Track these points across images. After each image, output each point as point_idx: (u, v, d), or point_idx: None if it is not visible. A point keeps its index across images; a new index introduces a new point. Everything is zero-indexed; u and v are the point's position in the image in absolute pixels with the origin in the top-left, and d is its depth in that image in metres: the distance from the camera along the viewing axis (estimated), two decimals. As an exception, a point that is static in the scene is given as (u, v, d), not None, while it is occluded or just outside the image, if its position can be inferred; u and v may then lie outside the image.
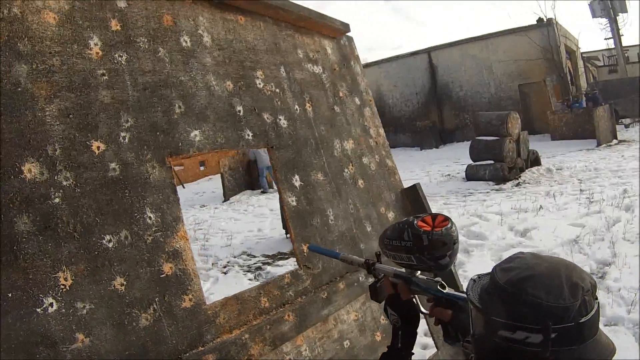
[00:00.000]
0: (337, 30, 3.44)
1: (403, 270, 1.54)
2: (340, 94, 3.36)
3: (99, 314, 1.69)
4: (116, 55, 1.95)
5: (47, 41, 1.75)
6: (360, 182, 3.21)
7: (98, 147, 1.82)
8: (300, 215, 2.64)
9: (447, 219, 1.48)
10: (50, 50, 1.75)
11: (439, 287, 1.39)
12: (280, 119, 2.71)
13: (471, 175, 10.73)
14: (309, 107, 2.98)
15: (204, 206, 13.04)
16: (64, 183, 1.70)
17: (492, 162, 10.41)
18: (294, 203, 2.62)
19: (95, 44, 1.89)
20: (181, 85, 2.18)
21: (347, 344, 2.62)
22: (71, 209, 1.70)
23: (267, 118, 2.62)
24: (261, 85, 2.65)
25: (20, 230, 1.56)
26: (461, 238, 6.38)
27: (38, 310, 1.56)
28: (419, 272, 1.51)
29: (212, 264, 7.03)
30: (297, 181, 2.69)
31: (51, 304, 1.59)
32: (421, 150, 19.51)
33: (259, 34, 2.76)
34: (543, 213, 6.87)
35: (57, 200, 1.67)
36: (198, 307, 1.99)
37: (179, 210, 2.02)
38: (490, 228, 6.42)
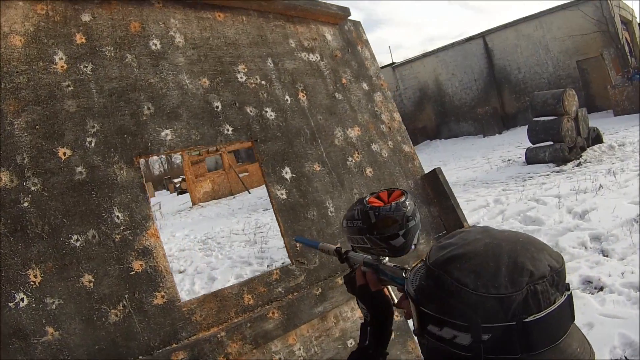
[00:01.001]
0: (336, 16, 3.48)
1: (370, 257, 1.46)
2: (344, 81, 3.38)
3: (68, 309, 1.92)
4: (81, 66, 2.22)
5: (14, 62, 2.05)
6: (368, 170, 3.18)
7: (64, 153, 2.08)
8: (292, 208, 2.70)
9: (403, 193, 1.43)
10: (17, 69, 2.05)
11: (404, 274, 1.25)
12: (266, 111, 2.81)
13: (531, 158, 10.67)
14: (303, 96, 3.05)
15: (267, 209, 13.61)
16: (32, 188, 1.98)
17: (551, 143, 10.34)
18: (284, 196, 2.70)
19: (60, 59, 2.17)
20: (150, 88, 2.39)
21: (351, 343, 2.61)
22: (39, 211, 1.97)
23: (251, 111, 2.75)
24: (243, 79, 2.79)
25: (-9, 233, 1.84)
26: (517, 224, 6.10)
27: (10, 304, 1.83)
28: (387, 258, 1.46)
29: (267, 265, 7.37)
30: (287, 173, 2.76)
31: (22, 299, 1.85)
32: (484, 137, 19.50)
33: (240, 28, 2.91)
34: (603, 192, 6.73)
35: (26, 204, 1.95)
36: (171, 304, 2.14)
37: (149, 209, 2.21)
38: (547, 212, 6.36)
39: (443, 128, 22.42)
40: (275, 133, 2.81)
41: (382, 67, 24.36)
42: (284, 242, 2.66)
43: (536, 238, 0.84)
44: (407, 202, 1.36)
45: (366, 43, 3.79)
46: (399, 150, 3.52)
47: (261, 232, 9.70)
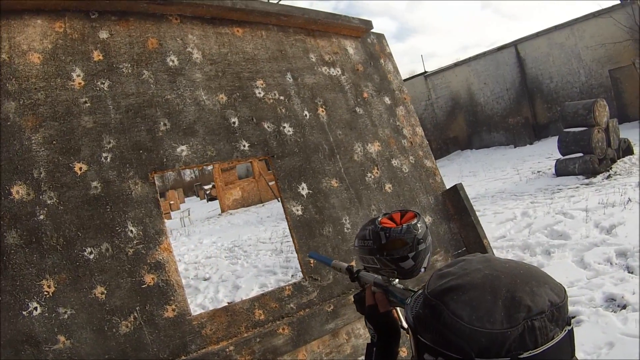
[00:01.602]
0: (358, 29, 3.51)
1: (380, 277, 1.53)
2: (365, 95, 3.40)
3: (80, 319, 2.01)
4: (98, 83, 2.33)
5: (33, 79, 2.18)
6: (387, 186, 3.18)
7: (80, 168, 2.18)
8: (307, 224, 2.73)
9: (416, 215, 1.44)
10: (35, 86, 2.18)
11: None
12: (284, 127, 2.86)
13: (561, 170, 10.53)
14: (322, 111, 3.09)
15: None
16: (48, 202, 2.08)
17: (581, 154, 10.20)
18: (299, 212, 2.73)
19: (78, 75, 2.29)
20: (167, 104, 2.48)
21: (362, 363, 2.59)
22: (54, 224, 2.07)
23: (268, 127, 2.80)
24: (261, 95, 2.84)
25: (9, 244, 1.96)
26: (543, 238, 5.97)
27: (24, 313, 1.93)
28: (397, 280, 1.48)
29: (292, 275, 7.45)
30: (303, 189, 2.79)
31: (35, 308, 1.95)
32: (515, 147, 19.52)
33: (260, 43, 2.98)
34: (631, 206, 6.54)
35: (41, 217, 2.05)
36: (182, 317, 2.20)
37: (162, 224, 2.29)
38: (574, 226, 6.26)
39: (474, 138, 22.24)
40: (293, 149, 2.85)
41: (414, 76, 24.28)
42: (298, 258, 2.68)
43: (540, 270, 0.84)
44: (418, 225, 1.36)
45: (389, 56, 3.79)
46: (420, 165, 3.49)
47: (288, 241, 9.80)
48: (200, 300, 7.66)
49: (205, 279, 8.98)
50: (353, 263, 2.67)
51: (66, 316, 1.99)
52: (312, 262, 2.64)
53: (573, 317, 4.10)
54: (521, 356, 0.69)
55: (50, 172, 2.12)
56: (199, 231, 16.14)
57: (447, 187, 3.61)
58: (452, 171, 16.69)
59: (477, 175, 14.57)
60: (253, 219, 16.34)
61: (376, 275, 1.46)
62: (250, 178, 20.81)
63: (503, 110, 21.52)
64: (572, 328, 0.76)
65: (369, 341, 1.39)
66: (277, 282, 7.51)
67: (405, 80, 24.69)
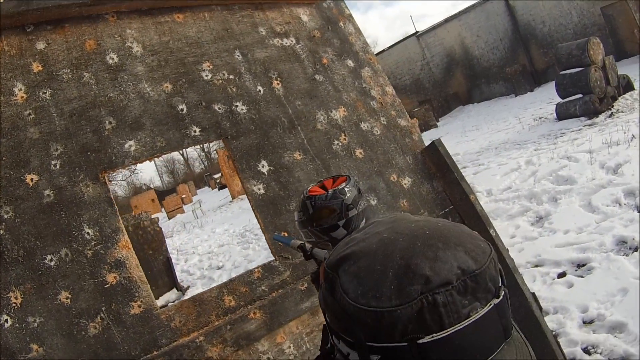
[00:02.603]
0: (309, -5, 3.47)
1: (327, 252, 1.41)
2: (324, 61, 3.39)
3: (49, 326, 2.13)
4: (40, 93, 2.40)
5: (-27, 98, 2.26)
6: (358, 151, 3.20)
7: (32, 179, 2.27)
8: (271, 202, 2.79)
9: (347, 179, 1.44)
10: (-24, 104, 2.26)
11: None
12: (236, 106, 2.90)
13: (562, 114, 10.59)
14: (277, 84, 3.10)
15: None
16: (5, 216, 2.19)
17: (581, 96, 10.22)
18: (261, 191, 2.78)
19: (20, 90, 2.36)
20: (110, 102, 2.54)
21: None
22: (13, 237, 2.18)
23: (219, 108, 2.84)
24: (209, 77, 2.88)
25: (-32, 262, 2.07)
26: (549, 186, 5.96)
27: (-5, 327, 2.05)
28: None
29: None
30: (264, 167, 2.84)
31: (6, 320, 2.08)
32: (515, 96, 19.85)
33: (203, 25, 2.99)
34: (636, 143, 6.50)
35: (1, 232, 2.16)
36: (149, 312, 2.31)
37: (119, 222, 2.38)
38: (579, 169, 6.26)
39: (474, 92, 22.09)
40: (248, 127, 2.89)
41: (406, 38, 23.94)
42: (265, 238, 2.75)
43: (459, 228, 0.69)
44: (346, 189, 1.34)
45: (349, 17, 3.75)
46: (393, 125, 3.49)
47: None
48: (214, 290, 7.86)
49: (218, 268, 9.22)
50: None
51: (36, 324, 2.11)
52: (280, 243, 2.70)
53: (583, 265, 4.10)
54: (421, 341, 0.57)
55: (4, 188, 2.21)
56: (211, 221, 16.46)
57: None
58: (455, 127, 16.61)
59: (480, 128, 14.57)
60: (264, 201, 16.54)
61: (326, 251, 1.42)
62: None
63: (499, 60, 21.53)
64: (502, 300, 0.62)
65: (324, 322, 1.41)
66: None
67: (397, 43, 24.34)
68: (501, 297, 0.62)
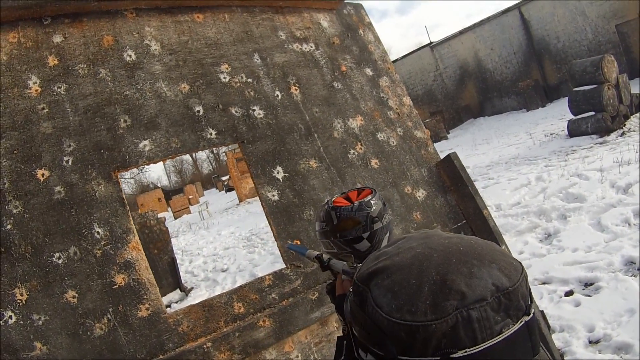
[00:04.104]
0: (330, 1, 3.43)
1: (346, 264, 1.38)
2: (343, 68, 3.33)
3: (54, 325, 2.07)
4: (55, 87, 2.35)
5: (-12, 90, 2.22)
6: (374, 161, 3.13)
7: (43, 175, 2.22)
8: (285, 209, 2.72)
9: (372, 191, 1.39)
10: (-9, 97, 2.22)
11: None
12: (254, 110, 2.84)
13: (573, 130, 10.58)
14: (296, 90, 3.05)
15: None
16: (14, 211, 2.14)
17: (593, 113, 10.16)
18: (276, 197, 2.72)
19: (34, 83, 2.32)
20: (126, 100, 2.49)
21: (352, 348, 2.60)
22: (22, 232, 2.12)
23: (236, 112, 2.78)
24: (227, 79, 2.82)
25: (-24, 257, 2.02)
26: (558, 203, 5.88)
27: (0, 322, 2.00)
28: None
29: None
30: (279, 173, 2.78)
31: (10, 317, 2.02)
32: (527, 111, 19.92)
33: (223, 27, 2.94)
34: None
35: (9, 226, 2.11)
36: (156, 315, 2.24)
37: (130, 222, 2.32)
38: (590, 187, 6.25)
39: (486, 105, 22.05)
40: (265, 132, 2.83)
41: (420, 48, 23.96)
42: (278, 246, 2.68)
43: (492, 246, 0.70)
44: (372, 202, 1.30)
45: (369, 26, 3.70)
46: (409, 137, 3.42)
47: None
48: (219, 292, 7.83)
49: (223, 270, 9.16)
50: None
51: (41, 322, 2.05)
52: (293, 252, 2.64)
53: (591, 284, 4.03)
54: (454, 356, 0.57)
55: (14, 182, 2.17)
56: (217, 223, 16.43)
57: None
58: (466, 140, 16.56)
59: (491, 142, 14.55)
60: (271, 205, 16.52)
61: (344, 262, 1.39)
62: (266, 164, 21.01)
63: (512, 74, 21.55)
64: (532, 318, 0.62)
65: (340, 333, 1.35)
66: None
67: (411, 52, 24.36)
68: (531, 314, 0.62)
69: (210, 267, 9.53)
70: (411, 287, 0.61)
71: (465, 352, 0.57)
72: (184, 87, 2.67)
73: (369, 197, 1.28)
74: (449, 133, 20.13)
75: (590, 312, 3.69)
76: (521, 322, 0.61)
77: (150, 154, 2.46)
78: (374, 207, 1.25)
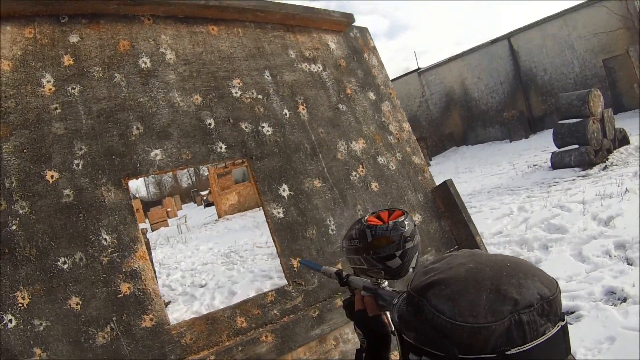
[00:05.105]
0: (339, 23, 3.52)
1: (369, 281, 1.45)
2: (348, 91, 3.40)
3: (55, 331, 2.01)
4: (69, 88, 2.33)
5: (2, 86, 2.18)
6: (374, 184, 3.18)
7: (52, 176, 2.18)
8: (289, 227, 2.73)
9: (404, 213, 1.43)
10: (5, 94, 2.18)
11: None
12: (262, 127, 2.86)
13: (557, 163, 10.70)
14: (303, 109, 3.09)
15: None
16: (20, 212, 2.08)
17: (577, 146, 10.35)
18: (281, 215, 2.73)
19: (48, 81, 2.29)
20: (139, 107, 2.49)
21: (350, 368, 2.59)
22: (27, 234, 2.07)
23: (246, 127, 2.80)
24: (238, 94, 2.85)
25: (-21, 257, 1.96)
26: (540, 233, 6.03)
27: (-1, 326, 1.93)
28: (386, 283, 1.46)
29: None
30: (284, 191, 2.79)
31: (10, 320, 1.95)
32: (510, 142, 20.14)
33: (236, 41, 2.98)
34: (629, 197, 6.66)
35: (14, 227, 2.06)
36: (160, 326, 2.20)
37: (137, 231, 2.29)
38: (571, 219, 6.33)
39: (470, 133, 22.49)
40: (272, 149, 2.85)
41: (407, 73, 24.42)
42: (281, 263, 2.68)
43: (529, 263, 0.81)
44: (405, 222, 1.35)
45: (374, 50, 3.79)
46: (407, 162, 3.49)
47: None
48: (197, 308, 7.65)
49: (201, 286, 8.97)
50: (339, 266, 2.67)
51: (41, 328, 1.99)
52: (295, 266, 2.64)
53: (572, 312, 4.14)
54: (508, 352, 0.66)
55: (22, 181, 2.12)
56: (195, 237, 16.15)
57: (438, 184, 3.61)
58: (448, 168, 16.80)
59: (473, 171, 14.74)
60: (250, 223, 16.33)
61: (365, 279, 1.45)
62: (246, 182, 20.84)
63: (498, 104, 21.99)
64: (566, 324, 0.73)
65: (358, 347, 1.38)
66: (273, 286, 7.51)
67: (398, 77, 24.76)
68: (565, 320, 0.73)
69: (188, 281, 9.34)
70: (470, 295, 0.70)
71: (518, 349, 0.66)
72: (197, 99, 2.68)
73: (402, 218, 1.34)
74: (431, 160, 20.42)
75: (572, 339, 3.77)
76: (558, 326, 0.71)
77: (161, 163, 2.45)
78: (407, 228, 1.32)
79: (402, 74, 24.58)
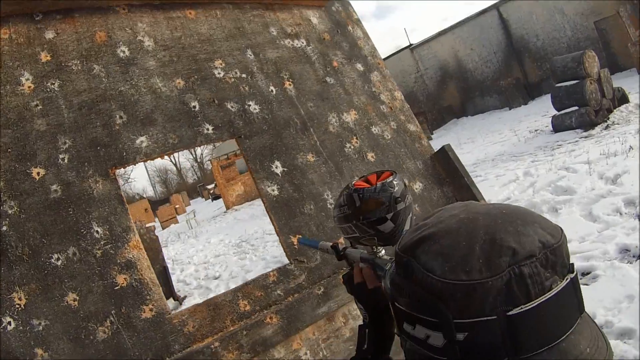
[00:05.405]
0: (317, -2, 3.40)
1: (365, 251, 1.34)
2: (335, 64, 3.30)
3: (55, 329, 1.97)
4: (48, 84, 2.27)
5: (-21, 87, 2.12)
6: (370, 155, 3.10)
7: (38, 173, 2.13)
8: (285, 204, 2.66)
9: (392, 173, 1.36)
10: (-18, 95, 2.12)
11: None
12: (249, 105, 2.78)
13: (558, 125, 10.67)
14: (290, 85, 3.00)
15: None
16: (9, 212, 2.04)
17: (576, 108, 10.30)
18: (275, 192, 2.66)
19: (27, 79, 2.23)
20: (121, 96, 2.42)
21: (360, 341, 2.54)
22: (18, 234, 2.02)
23: (232, 107, 2.72)
24: (221, 75, 2.77)
25: (-30, 261, 1.92)
26: (548, 196, 5.92)
27: (-2, 329, 1.89)
28: (383, 251, 1.39)
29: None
30: (277, 168, 2.72)
31: (9, 323, 1.91)
32: (510, 109, 19.93)
33: (215, 23, 2.89)
34: (634, 154, 6.58)
35: (4, 228, 2.01)
36: (161, 316, 2.16)
37: (129, 220, 2.23)
38: (578, 180, 6.28)
39: (468, 105, 22.26)
40: (261, 126, 2.78)
41: (400, 50, 24.07)
42: (280, 241, 2.62)
43: (528, 210, 0.70)
44: (394, 182, 1.26)
45: (358, 22, 3.68)
46: (403, 130, 3.40)
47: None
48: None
49: (215, 278, 9.01)
50: (341, 240, 2.61)
51: (41, 327, 1.95)
52: (295, 243, 2.58)
53: (588, 273, 4.04)
54: (510, 313, 0.56)
55: (9, 181, 2.07)
56: (206, 231, 16.23)
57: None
58: (450, 140, 16.68)
59: (475, 141, 14.63)
60: (258, 211, 16.37)
61: (362, 250, 1.35)
62: (252, 171, 20.85)
63: (493, 73, 21.84)
64: (576, 275, 0.61)
65: (361, 322, 1.31)
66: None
67: (391, 55, 24.45)
68: (575, 272, 0.62)
69: (202, 275, 9.38)
70: (462, 249, 0.60)
71: (521, 308, 0.56)
72: (179, 83, 2.61)
73: (391, 178, 1.25)
74: (432, 134, 20.25)
75: (590, 300, 3.70)
76: (567, 279, 0.60)
77: (147, 150, 2.39)
78: (396, 188, 1.22)
79: (394, 51, 24.21)
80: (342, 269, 2.65)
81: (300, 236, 2.55)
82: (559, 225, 0.66)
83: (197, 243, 13.72)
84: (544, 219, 0.67)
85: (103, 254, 2.14)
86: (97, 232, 2.16)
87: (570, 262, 0.64)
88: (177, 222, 22.33)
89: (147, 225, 7.87)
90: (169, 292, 7.28)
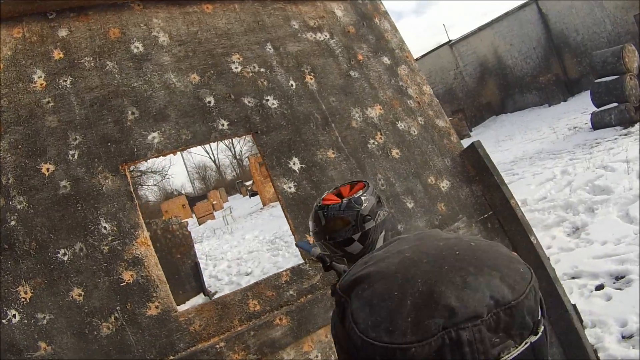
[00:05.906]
0: (343, -11, 3.25)
1: (346, 267, 1.27)
2: (360, 57, 3.14)
3: (59, 324, 1.93)
4: (60, 81, 2.24)
5: (-8, 84, 2.11)
6: (395, 151, 2.92)
7: (48, 169, 2.10)
8: (302, 202, 2.54)
9: (365, 185, 1.22)
10: (-4, 91, 2.11)
11: None
12: (267, 100, 2.67)
13: (597, 123, 10.06)
14: (311, 79, 2.87)
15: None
16: (18, 207, 2.01)
17: (616, 104, 9.68)
18: (292, 189, 2.54)
19: (39, 77, 2.20)
20: (134, 92, 2.36)
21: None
22: (26, 228, 2.00)
23: (249, 102, 2.62)
24: (239, 69, 2.67)
25: (-21, 254, 1.90)
26: (585, 196, 5.53)
27: (3, 321, 1.87)
28: None
29: None
30: (295, 164, 2.60)
31: (14, 315, 1.89)
32: (549, 106, 19.15)
33: (233, 17, 2.80)
34: None
35: (13, 222, 1.98)
36: (166, 314, 2.08)
37: (138, 217, 2.17)
38: (616, 179, 5.90)
39: (508, 101, 21.43)
40: (279, 122, 2.66)
41: (439, 47, 23.41)
42: (295, 240, 2.50)
43: (497, 248, 0.56)
44: (363, 198, 1.13)
45: (385, 14, 3.50)
46: (431, 126, 3.20)
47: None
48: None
49: (247, 274, 9.01)
50: None
51: (45, 321, 1.91)
52: (312, 242, 2.45)
53: (622, 277, 3.72)
54: None
55: (18, 177, 2.04)
56: (241, 227, 16.36)
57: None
58: (489, 137, 16.12)
59: (514, 138, 14.09)
60: (294, 209, 16.40)
61: (344, 266, 1.24)
62: (289, 170, 20.90)
63: (533, 69, 20.96)
64: (539, 339, 0.50)
65: None
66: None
67: (430, 52, 23.83)
68: (540, 333, 0.50)
69: (234, 271, 9.41)
70: (392, 300, 0.50)
71: None
72: (194, 78, 2.53)
73: (360, 193, 1.09)
74: (471, 131, 19.63)
75: (622, 306, 3.44)
76: (525, 343, 0.49)
77: (159, 146, 2.32)
78: (364, 205, 1.06)
79: (433, 48, 23.65)
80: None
81: (300, 240, 2.43)
82: (528, 269, 0.51)
83: (232, 239, 13.84)
84: (512, 262, 0.53)
85: (110, 250, 2.08)
86: (105, 228, 2.10)
87: (538, 318, 0.50)
88: (213, 218, 22.68)
89: (181, 221, 7.94)
90: (200, 287, 7.31)
